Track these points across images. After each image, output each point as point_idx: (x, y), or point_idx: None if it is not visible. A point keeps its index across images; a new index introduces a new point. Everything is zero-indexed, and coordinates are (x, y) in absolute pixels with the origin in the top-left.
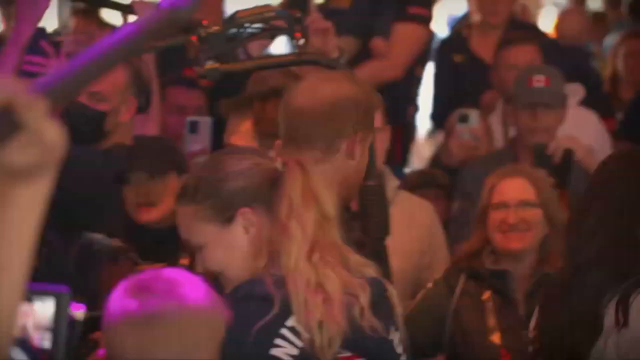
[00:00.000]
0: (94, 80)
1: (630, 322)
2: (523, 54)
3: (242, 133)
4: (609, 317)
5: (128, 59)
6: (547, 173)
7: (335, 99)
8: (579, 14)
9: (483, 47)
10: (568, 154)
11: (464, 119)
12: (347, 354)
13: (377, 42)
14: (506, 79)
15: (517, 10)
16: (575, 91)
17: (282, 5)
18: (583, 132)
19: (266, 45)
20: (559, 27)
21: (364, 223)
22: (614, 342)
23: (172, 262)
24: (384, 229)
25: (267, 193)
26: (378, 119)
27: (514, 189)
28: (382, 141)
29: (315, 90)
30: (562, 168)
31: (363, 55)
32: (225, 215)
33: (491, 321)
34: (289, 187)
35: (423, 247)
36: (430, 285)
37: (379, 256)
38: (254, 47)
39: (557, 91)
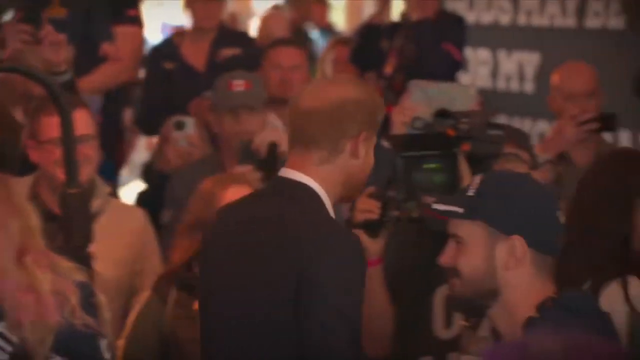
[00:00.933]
0: None
1: None
2: (288, 56)
3: None
4: None
5: None
6: (253, 167)
7: (340, 101)
8: (279, 18)
9: (194, 54)
10: (272, 146)
11: (179, 126)
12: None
13: (107, 47)
14: (271, 79)
15: (228, 19)
16: None
17: (16, 17)
18: None
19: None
20: (260, 31)
21: (67, 230)
22: None
23: None
24: (86, 237)
25: None
26: (88, 127)
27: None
28: (92, 148)
29: (321, 93)
30: (267, 161)
31: (84, 61)
32: None
33: None
34: None
35: (134, 254)
36: (144, 295)
37: (82, 263)
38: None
39: (257, 95)
